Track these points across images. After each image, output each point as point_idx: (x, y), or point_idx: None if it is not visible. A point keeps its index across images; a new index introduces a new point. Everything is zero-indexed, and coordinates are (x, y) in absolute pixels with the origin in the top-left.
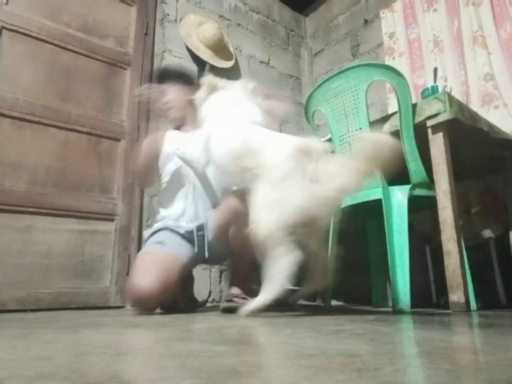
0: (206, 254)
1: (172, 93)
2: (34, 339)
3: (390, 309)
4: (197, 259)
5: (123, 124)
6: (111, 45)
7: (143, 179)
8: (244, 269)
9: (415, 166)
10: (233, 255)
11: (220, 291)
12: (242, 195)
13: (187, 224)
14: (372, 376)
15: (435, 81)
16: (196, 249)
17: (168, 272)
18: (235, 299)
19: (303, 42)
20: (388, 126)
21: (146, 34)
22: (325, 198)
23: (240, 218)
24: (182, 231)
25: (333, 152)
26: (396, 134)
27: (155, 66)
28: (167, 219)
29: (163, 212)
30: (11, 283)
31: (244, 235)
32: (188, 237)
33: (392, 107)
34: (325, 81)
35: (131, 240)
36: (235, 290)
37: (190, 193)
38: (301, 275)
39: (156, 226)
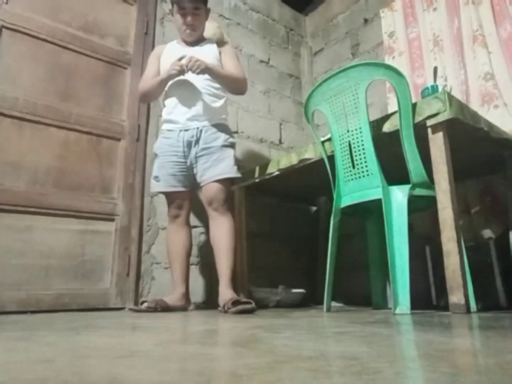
0: (194, 170)
1: (196, 16)
2: (34, 342)
3: (390, 311)
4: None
5: (123, 124)
6: (111, 44)
7: (149, 97)
8: (229, 272)
9: (415, 166)
10: (217, 260)
11: None
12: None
13: (181, 117)
14: (372, 379)
15: (435, 80)
16: (188, 162)
17: None
18: (241, 301)
19: (303, 41)
20: (388, 126)
21: (146, 33)
22: None
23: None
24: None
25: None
26: (396, 133)
27: None
28: (165, 122)
29: (163, 112)
30: (11, 285)
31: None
32: (178, 153)
33: (392, 106)
34: (325, 80)
35: (131, 240)
36: (229, 294)
37: (180, 91)
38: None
39: (160, 134)
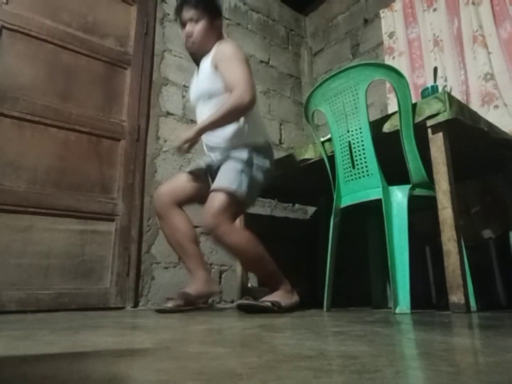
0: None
1: (195, 27)
2: (34, 341)
3: (390, 310)
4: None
5: (123, 124)
6: (111, 44)
7: None
8: (256, 271)
9: (415, 166)
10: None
11: (220, 292)
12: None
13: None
14: (372, 378)
15: (435, 80)
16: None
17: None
18: (250, 298)
19: (303, 41)
20: (388, 126)
21: (146, 33)
22: None
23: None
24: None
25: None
26: (396, 133)
27: (155, 65)
28: None
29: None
30: (11, 284)
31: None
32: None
33: (392, 107)
34: (325, 80)
35: (131, 240)
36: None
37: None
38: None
39: None
